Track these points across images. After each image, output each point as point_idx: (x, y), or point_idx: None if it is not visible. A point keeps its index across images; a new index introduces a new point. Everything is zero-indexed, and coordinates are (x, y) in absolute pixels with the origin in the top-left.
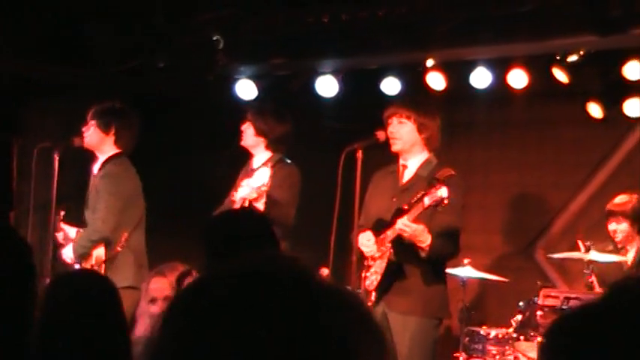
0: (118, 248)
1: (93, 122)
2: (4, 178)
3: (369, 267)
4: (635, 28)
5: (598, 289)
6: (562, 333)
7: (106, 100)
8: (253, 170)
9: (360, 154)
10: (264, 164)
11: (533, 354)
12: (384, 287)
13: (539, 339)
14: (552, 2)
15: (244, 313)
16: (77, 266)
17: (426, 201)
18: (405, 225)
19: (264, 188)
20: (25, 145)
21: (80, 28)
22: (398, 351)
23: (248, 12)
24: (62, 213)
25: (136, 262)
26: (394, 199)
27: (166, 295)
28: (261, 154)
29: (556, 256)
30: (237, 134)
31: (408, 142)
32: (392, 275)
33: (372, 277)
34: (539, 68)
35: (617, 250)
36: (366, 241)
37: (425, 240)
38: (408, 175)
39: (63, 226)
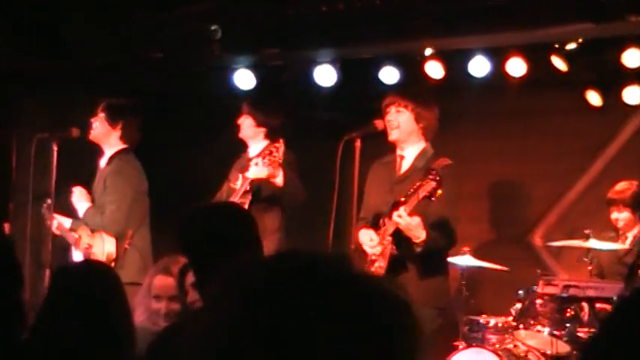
0: (126, 245)
1: (102, 115)
2: (2, 170)
3: (374, 261)
4: (633, 16)
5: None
6: None
7: (97, 95)
8: (250, 159)
9: (358, 143)
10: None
11: (533, 342)
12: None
13: (538, 327)
14: None
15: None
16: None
17: (421, 193)
18: (399, 217)
19: (280, 161)
20: (24, 136)
21: (73, 20)
22: None
23: (243, 1)
24: (49, 202)
25: (142, 259)
26: (391, 191)
27: (172, 294)
28: (258, 144)
29: (555, 244)
30: (233, 127)
31: (405, 132)
32: (396, 268)
33: (377, 272)
34: (537, 57)
35: (617, 237)
36: (368, 241)
37: (419, 235)
38: (405, 166)
39: (55, 216)
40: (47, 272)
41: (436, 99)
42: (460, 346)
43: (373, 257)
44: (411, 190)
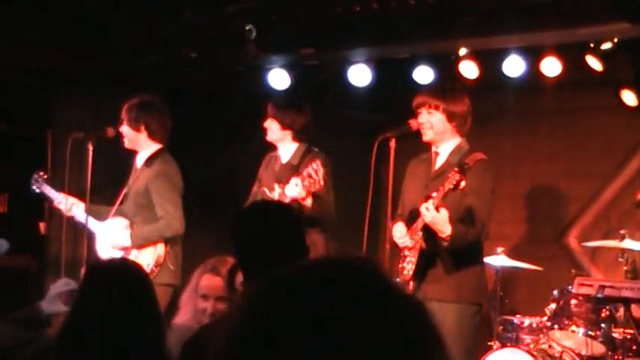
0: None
1: (125, 122)
2: (39, 170)
3: (405, 257)
4: None
5: (632, 277)
6: None
7: (137, 91)
8: (288, 167)
9: (392, 143)
10: (297, 157)
11: (568, 342)
12: (419, 276)
13: (573, 328)
14: None
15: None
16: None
17: (446, 185)
18: (426, 209)
19: (317, 187)
20: (59, 136)
21: (110, 20)
22: None
23: (279, 2)
24: (42, 174)
25: (177, 261)
26: (426, 187)
27: (220, 295)
28: (288, 146)
29: (590, 244)
30: (261, 131)
31: (439, 132)
32: (425, 264)
33: (408, 267)
34: (572, 56)
35: None
36: (398, 233)
37: (445, 230)
38: (439, 162)
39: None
40: (82, 271)
41: (471, 99)
42: (494, 346)
43: (405, 252)
44: (443, 185)
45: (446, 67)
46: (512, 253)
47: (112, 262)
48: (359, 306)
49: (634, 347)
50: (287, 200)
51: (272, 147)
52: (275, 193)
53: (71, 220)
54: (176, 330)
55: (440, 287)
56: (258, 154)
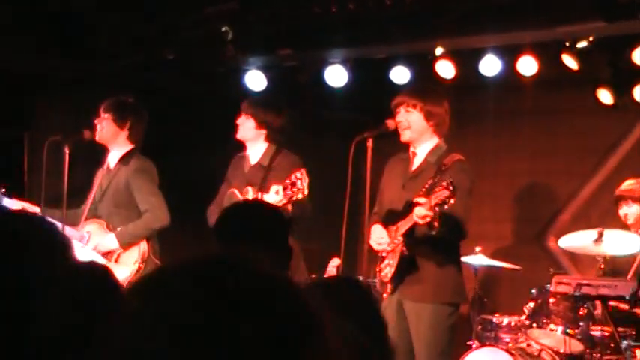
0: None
1: (107, 116)
2: (16, 172)
3: (384, 258)
4: None
5: (609, 275)
6: None
7: (116, 93)
8: (255, 166)
9: (370, 144)
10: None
11: (547, 341)
12: (398, 278)
13: (551, 326)
14: None
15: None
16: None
17: (433, 200)
18: (419, 216)
19: (300, 196)
20: (36, 139)
21: (87, 21)
22: (415, 339)
23: (255, 3)
24: (2, 190)
25: (157, 255)
26: (405, 187)
27: None
28: (258, 146)
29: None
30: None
31: (417, 131)
32: (405, 267)
33: (387, 270)
34: (548, 55)
35: None
36: (377, 238)
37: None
38: (417, 162)
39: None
40: None
41: (447, 97)
42: (474, 345)
43: (384, 254)
44: (423, 188)
45: (423, 67)
46: (492, 253)
47: (82, 266)
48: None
49: (612, 344)
50: None
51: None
52: (248, 197)
53: None
54: None
55: (417, 288)
56: (233, 155)
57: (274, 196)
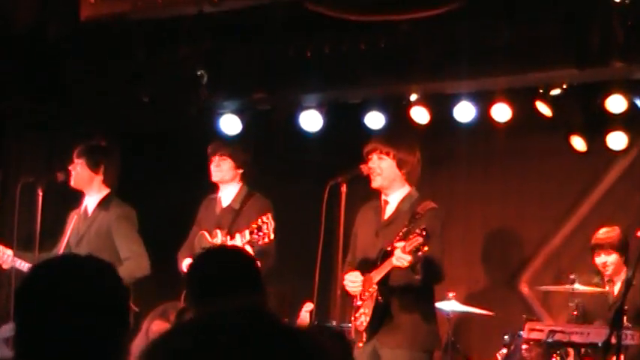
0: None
1: (80, 161)
2: None
3: (358, 307)
4: (617, 61)
5: (582, 322)
6: None
7: (89, 134)
8: (226, 209)
9: (344, 188)
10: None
11: None
12: (374, 327)
13: None
14: (530, 35)
15: None
16: None
17: (407, 246)
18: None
19: (266, 240)
20: (9, 180)
21: (61, 62)
22: None
23: (230, 46)
24: None
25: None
26: (378, 235)
27: None
28: (230, 188)
29: (540, 288)
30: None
31: (388, 178)
32: (380, 315)
33: (362, 318)
34: (522, 102)
35: (602, 283)
36: (351, 282)
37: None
38: (389, 210)
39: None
40: None
41: (422, 143)
42: None
43: (358, 303)
44: (397, 237)
45: (397, 112)
46: (464, 297)
47: None
48: None
49: None
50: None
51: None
52: (217, 240)
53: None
54: None
55: (396, 336)
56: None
57: (240, 239)
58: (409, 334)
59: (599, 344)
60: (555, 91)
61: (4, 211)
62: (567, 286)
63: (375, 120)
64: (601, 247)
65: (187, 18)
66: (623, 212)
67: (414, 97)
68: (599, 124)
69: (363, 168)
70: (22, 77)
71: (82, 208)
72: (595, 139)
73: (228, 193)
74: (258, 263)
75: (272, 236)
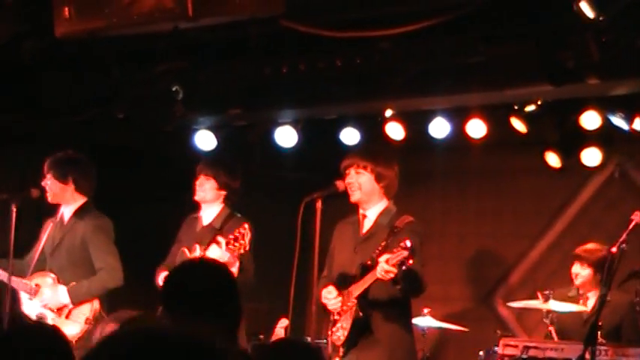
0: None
1: (49, 175)
2: None
3: (336, 322)
4: (592, 78)
5: (557, 338)
6: None
7: (59, 151)
8: (211, 229)
9: (319, 204)
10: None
11: None
12: (351, 342)
13: None
14: (505, 52)
15: None
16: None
17: (391, 260)
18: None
19: (242, 251)
20: None
21: (36, 78)
22: None
23: (205, 63)
24: None
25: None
26: (356, 250)
27: None
28: (213, 208)
29: (515, 304)
30: (191, 189)
31: (367, 192)
32: (359, 330)
33: (339, 333)
34: (497, 118)
35: (578, 297)
36: (328, 296)
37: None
38: (367, 224)
39: None
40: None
41: (397, 160)
42: None
43: (335, 317)
44: (377, 250)
45: (372, 128)
46: (439, 314)
47: (32, 328)
48: None
49: None
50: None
51: (196, 207)
52: (195, 254)
53: None
54: None
55: (372, 350)
56: (186, 213)
57: (217, 250)
58: (388, 348)
59: None
60: (530, 108)
61: None
62: (542, 303)
63: (350, 136)
64: (579, 258)
65: (163, 34)
66: (598, 229)
67: (389, 113)
68: (573, 140)
69: (339, 184)
70: None
71: (59, 216)
72: (570, 156)
73: (210, 213)
74: (235, 275)
75: (248, 247)
